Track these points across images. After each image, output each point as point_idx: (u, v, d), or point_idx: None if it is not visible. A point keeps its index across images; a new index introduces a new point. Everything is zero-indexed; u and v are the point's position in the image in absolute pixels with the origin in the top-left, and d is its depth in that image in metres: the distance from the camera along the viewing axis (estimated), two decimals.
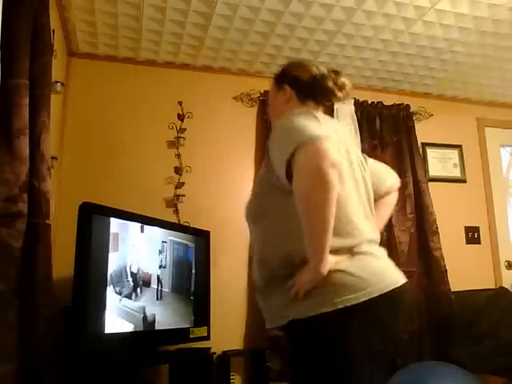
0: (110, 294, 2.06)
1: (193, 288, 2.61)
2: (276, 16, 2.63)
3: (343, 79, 1.45)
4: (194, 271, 2.63)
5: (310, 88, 1.45)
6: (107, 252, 2.07)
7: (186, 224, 2.87)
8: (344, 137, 1.40)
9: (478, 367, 2.29)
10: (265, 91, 3.25)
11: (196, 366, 2.48)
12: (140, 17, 2.62)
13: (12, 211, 1.50)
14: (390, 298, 1.20)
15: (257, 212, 1.42)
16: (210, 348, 2.56)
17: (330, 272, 1.17)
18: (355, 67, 3.23)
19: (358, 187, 1.35)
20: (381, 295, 1.17)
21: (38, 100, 1.69)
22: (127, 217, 2.25)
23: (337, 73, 1.46)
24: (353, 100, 3.30)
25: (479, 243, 3.45)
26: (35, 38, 1.70)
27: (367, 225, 1.31)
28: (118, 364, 2.05)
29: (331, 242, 1.14)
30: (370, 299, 1.15)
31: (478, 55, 3.06)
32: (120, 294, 2.12)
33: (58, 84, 2.45)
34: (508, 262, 3.52)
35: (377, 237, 1.35)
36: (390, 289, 1.20)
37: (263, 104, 3.24)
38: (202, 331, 2.56)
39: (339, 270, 1.18)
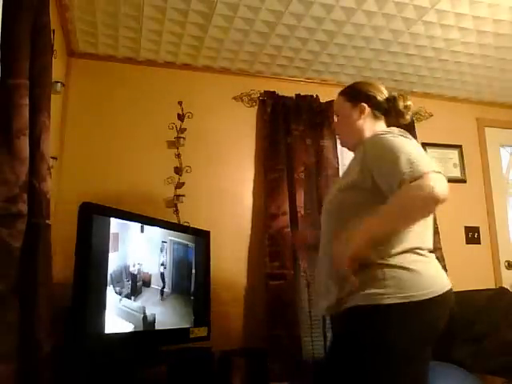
0: (110, 294, 2.06)
1: (193, 288, 2.61)
2: (276, 16, 2.63)
3: (409, 102, 1.64)
4: (194, 271, 2.63)
5: (386, 108, 1.64)
6: (107, 252, 2.07)
7: (186, 224, 2.87)
8: None
9: (478, 367, 2.29)
10: (265, 91, 3.25)
11: (196, 366, 2.48)
12: (140, 17, 2.62)
13: (12, 211, 1.50)
14: (445, 299, 1.36)
15: (342, 209, 1.51)
16: (209, 348, 2.56)
17: (400, 268, 1.34)
18: (355, 67, 3.23)
19: None
20: (439, 295, 1.33)
21: (38, 100, 1.69)
22: (127, 217, 2.25)
23: (404, 96, 1.64)
24: None
25: (479, 243, 3.45)
26: (35, 38, 1.70)
27: (430, 235, 1.49)
28: (117, 364, 2.05)
29: (413, 242, 1.38)
30: (430, 298, 1.31)
31: (478, 55, 3.06)
32: (120, 294, 2.12)
33: (58, 84, 2.45)
34: (508, 261, 3.52)
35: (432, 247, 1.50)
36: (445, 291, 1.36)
37: (263, 104, 3.24)
38: (202, 331, 2.56)
39: (410, 269, 1.34)
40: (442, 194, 1.25)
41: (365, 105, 1.63)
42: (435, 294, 1.32)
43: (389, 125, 1.65)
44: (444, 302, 1.35)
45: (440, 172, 1.30)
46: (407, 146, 1.38)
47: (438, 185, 1.26)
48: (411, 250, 1.37)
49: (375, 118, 1.64)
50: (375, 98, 1.64)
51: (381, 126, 1.63)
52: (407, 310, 1.29)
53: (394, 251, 1.36)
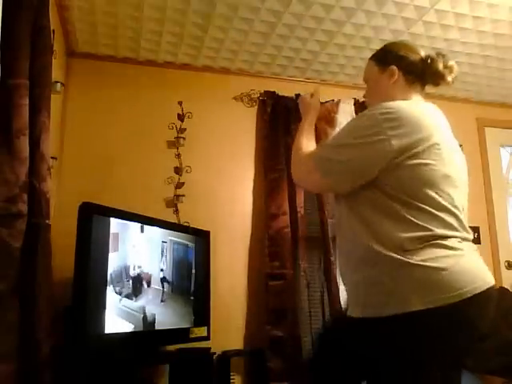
0: (110, 294, 2.06)
1: (193, 288, 2.61)
2: (276, 16, 2.63)
3: (451, 62, 1.41)
4: (194, 271, 2.63)
5: (420, 70, 1.41)
6: (107, 252, 2.07)
7: (186, 224, 2.87)
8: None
9: (478, 367, 2.29)
10: (265, 91, 3.25)
11: (196, 366, 2.48)
12: (140, 17, 2.62)
13: (12, 211, 1.50)
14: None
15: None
16: (209, 348, 2.56)
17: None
18: (355, 67, 3.23)
19: None
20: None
21: (37, 100, 1.69)
22: (127, 217, 2.25)
23: (444, 56, 1.42)
24: (353, 100, 3.30)
25: (479, 243, 3.45)
26: (35, 38, 1.70)
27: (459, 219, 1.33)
28: (118, 364, 2.05)
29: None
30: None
31: (478, 55, 3.06)
32: (120, 294, 2.12)
33: (58, 84, 2.45)
34: (508, 262, 3.52)
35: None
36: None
37: (263, 104, 3.24)
38: (201, 331, 2.56)
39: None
40: (296, 180, 1.46)
41: (395, 68, 1.41)
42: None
43: (423, 89, 1.45)
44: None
45: (325, 176, 1.30)
46: (353, 135, 1.27)
47: (296, 171, 1.43)
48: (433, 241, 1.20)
49: (408, 82, 1.42)
50: (407, 58, 1.42)
51: (414, 92, 1.42)
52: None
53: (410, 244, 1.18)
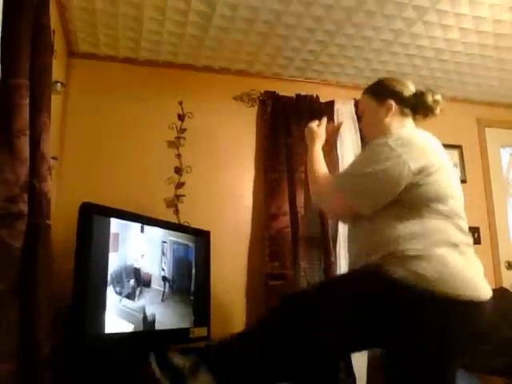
0: (110, 294, 2.06)
1: (193, 288, 2.60)
2: (276, 16, 2.63)
3: (438, 97, 1.62)
4: (194, 271, 2.63)
5: (413, 104, 1.60)
6: (107, 252, 2.07)
7: (186, 224, 2.87)
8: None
9: (478, 367, 2.29)
10: (265, 91, 3.25)
11: None
12: (140, 17, 2.62)
13: (12, 211, 1.50)
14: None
15: None
16: None
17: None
18: (355, 67, 3.23)
19: None
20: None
21: (38, 100, 1.69)
22: (127, 217, 2.25)
23: (432, 91, 1.62)
24: (353, 100, 3.30)
25: (479, 243, 3.45)
26: (35, 38, 1.70)
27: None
28: (118, 364, 2.05)
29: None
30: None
31: (478, 55, 3.06)
32: (120, 294, 2.12)
33: (58, 84, 2.45)
34: (508, 262, 3.52)
35: None
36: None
37: (263, 104, 3.24)
38: (202, 331, 2.56)
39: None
40: (318, 204, 1.64)
41: (392, 101, 1.58)
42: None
43: (415, 120, 1.63)
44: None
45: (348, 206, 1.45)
46: (373, 161, 1.41)
47: (318, 199, 1.58)
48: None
49: (403, 114, 1.59)
50: (402, 93, 1.59)
51: (408, 122, 1.59)
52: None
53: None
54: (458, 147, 3.63)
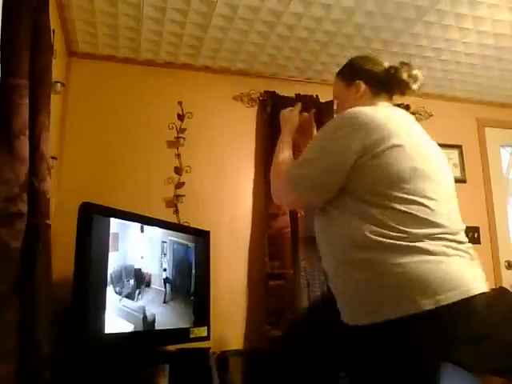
0: (110, 294, 2.06)
1: (193, 288, 2.60)
2: (276, 16, 2.63)
3: (415, 71, 1.44)
4: (193, 271, 2.63)
5: (385, 81, 1.45)
6: (107, 252, 2.07)
7: (185, 224, 2.88)
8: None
9: (478, 367, 2.28)
10: (265, 91, 3.25)
11: (196, 366, 2.48)
12: (140, 17, 2.62)
13: (12, 211, 1.50)
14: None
15: None
16: (209, 348, 2.56)
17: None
18: None
19: None
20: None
21: (37, 100, 1.69)
22: (127, 217, 2.25)
23: (408, 65, 1.45)
24: None
25: (479, 243, 3.45)
26: (35, 38, 1.70)
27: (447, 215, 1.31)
28: (117, 364, 2.05)
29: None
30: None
31: (478, 55, 3.06)
32: (120, 293, 2.12)
33: (58, 84, 2.45)
34: (508, 262, 3.52)
35: None
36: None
37: (263, 104, 3.24)
38: (201, 331, 2.56)
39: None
40: (275, 198, 1.49)
41: (360, 82, 1.45)
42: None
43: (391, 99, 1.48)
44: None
45: (300, 187, 1.33)
46: (318, 147, 1.32)
47: (273, 190, 1.47)
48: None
49: (374, 94, 1.45)
50: (371, 71, 1.46)
51: (382, 101, 1.44)
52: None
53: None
54: (458, 147, 3.63)
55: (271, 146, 3.12)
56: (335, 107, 1.57)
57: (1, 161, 1.49)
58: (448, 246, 1.19)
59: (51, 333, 1.70)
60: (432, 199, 1.22)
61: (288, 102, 3.20)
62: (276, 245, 2.94)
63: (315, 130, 1.67)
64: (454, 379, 2.19)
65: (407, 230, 1.16)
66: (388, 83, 1.45)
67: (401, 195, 1.19)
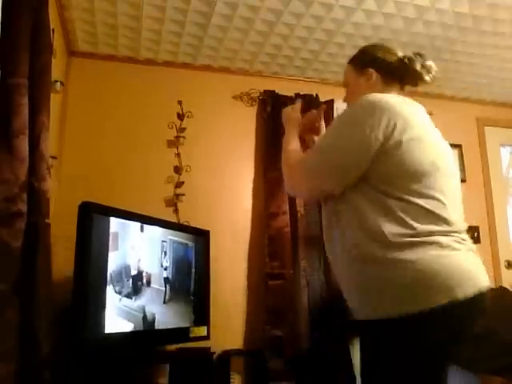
0: (110, 294, 2.05)
1: (193, 288, 2.60)
2: (276, 15, 2.62)
3: (429, 62, 1.43)
4: (193, 271, 2.63)
5: (398, 71, 1.42)
6: (107, 251, 2.07)
7: (185, 223, 2.87)
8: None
9: (478, 367, 2.28)
10: (265, 90, 3.25)
11: (196, 366, 2.48)
12: (140, 16, 2.62)
13: (11, 211, 1.50)
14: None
15: None
16: (209, 348, 2.56)
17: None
18: None
19: None
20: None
21: (37, 99, 1.69)
22: (127, 216, 2.25)
23: (422, 55, 1.43)
24: None
25: (479, 243, 3.45)
26: (35, 38, 1.69)
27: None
28: (117, 363, 2.05)
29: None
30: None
31: (478, 55, 3.06)
32: (120, 293, 2.12)
33: (58, 83, 2.45)
34: (508, 261, 3.52)
35: None
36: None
37: (263, 103, 3.24)
38: (201, 331, 2.56)
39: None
40: (290, 189, 1.44)
41: (372, 70, 1.42)
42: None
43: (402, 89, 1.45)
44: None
45: (313, 178, 1.32)
46: (335, 134, 1.29)
47: (288, 181, 1.40)
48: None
49: (386, 83, 1.42)
50: (384, 60, 1.42)
51: (393, 91, 1.41)
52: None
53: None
54: (458, 146, 3.62)
55: (271, 145, 3.12)
56: (345, 95, 1.54)
57: (0, 160, 1.49)
58: (458, 242, 1.22)
59: (51, 333, 1.70)
60: (445, 195, 1.23)
61: (288, 101, 3.21)
62: (276, 245, 2.94)
63: (324, 127, 1.65)
64: (453, 378, 2.19)
65: (421, 225, 1.17)
66: (401, 73, 1.42)
67: (419, 189, 1.19)
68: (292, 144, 1.49)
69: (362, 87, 1.43)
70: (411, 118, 1.24)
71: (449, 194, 1.25)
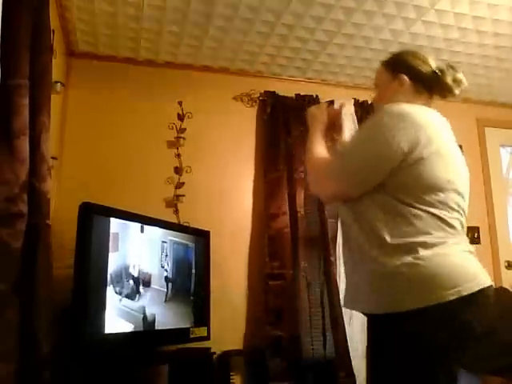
0: (110, 294, 2.06)
1: (193, 288, 2.61)
2: (276, 16, 2.63)
3: (460, 76, 1.46)
4: (193, 271, 2.63)
5: (429, 82, 1.45)
6: (107, 252, 2.07)
7: (185, 224, 2.87)
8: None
9: (478, 367, 2.29)
10: (265, 91, 3.25)
11: (196, 366, 2.48)
12: (140, 17, 2.62)
13: (12, 211, 1.50)
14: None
15: None
16: (209, 348, 2.56)
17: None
18: (355, 67, 3.23)
19: None
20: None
21: (37, 100, 1.69)
22: (127, 217, 2.25)
23: (454, 68, 1.46)
24: (353, 100, 3.30)
25: (479, 243, 3.45)
26: (35, 38, 1.70)
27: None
28: (117, 364, 2.05)
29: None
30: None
31: (478, 55, 3.06)
32: (120, 293, 2.12)
33: (58, 84, 2.45)
34: (508, 262, 3.52)
35: None
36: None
37: (263, 104, 3.24)
38: (201, 331, 2.56)
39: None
40: (315, 191, 1.46)
41: (405, 76, 1.45)
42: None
43: (430, 99, 1.49)
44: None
45: (344, 183, 1.33)
46: (364, 137, 1.33)
47: (314, 187, 1.44)
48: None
49: (416, 92, 1.45)
50: (418, 70, 1.45)
51: (421, 100, 1.44)
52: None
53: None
54: (458, 147, 3.62)
55: (271, 145, 3.13)
56: (375, 96, 1.57)
57: (1, 161, 1.49)
58: (463, 246, 1.31)
59: (51, 333, 1.70)
60: (453, 209, 1.31)
61: (288, 101, 3.21)
62: (276, 245, 2.95)
63: (344, 124, 1.66)
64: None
65: (430, 230, 1.24)
66: (432, 84, 1.46)
67: (431, 200, 1.26)
68: (317, 146, 1.52)
69: (392, 91, 1.47)
70: (436, 133, 1.30)
71: (458, 208, 1.33)
